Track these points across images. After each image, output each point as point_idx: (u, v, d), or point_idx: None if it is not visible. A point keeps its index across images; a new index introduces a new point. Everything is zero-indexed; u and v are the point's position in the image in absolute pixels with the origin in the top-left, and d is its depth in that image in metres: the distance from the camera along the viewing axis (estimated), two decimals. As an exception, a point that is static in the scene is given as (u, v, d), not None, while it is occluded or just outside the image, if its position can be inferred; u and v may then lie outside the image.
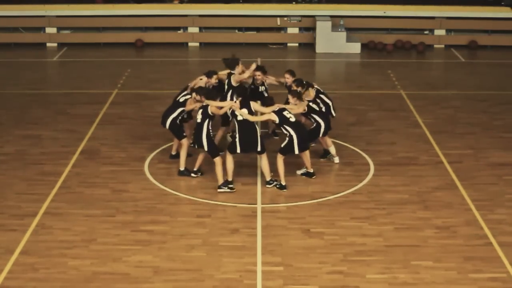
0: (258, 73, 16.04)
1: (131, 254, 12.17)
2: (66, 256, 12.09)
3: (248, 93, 15.62)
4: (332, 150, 15.69)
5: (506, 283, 11.47)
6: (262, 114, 14.70)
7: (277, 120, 14.39)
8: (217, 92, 15.54)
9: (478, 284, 11.42)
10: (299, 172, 15.15)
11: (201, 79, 15.54)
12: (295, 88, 15.27)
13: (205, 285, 11.37)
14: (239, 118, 14.30)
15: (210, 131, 14.39)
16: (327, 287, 11.35)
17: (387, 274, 11.66)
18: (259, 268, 11.81)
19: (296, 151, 14.43)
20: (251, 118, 14.34)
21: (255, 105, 14.60)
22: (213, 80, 15.58)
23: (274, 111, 14.38)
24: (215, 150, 14.45)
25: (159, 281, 11.43)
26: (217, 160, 14.37)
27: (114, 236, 12.76)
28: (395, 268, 11.83)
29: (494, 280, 11.53)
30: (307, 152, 14.74)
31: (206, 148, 14.36)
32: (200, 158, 14.85)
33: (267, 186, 14.55)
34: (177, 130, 15.17)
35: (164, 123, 15.17)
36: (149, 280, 11.46)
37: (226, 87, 15.75)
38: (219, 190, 14.38)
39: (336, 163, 15.70)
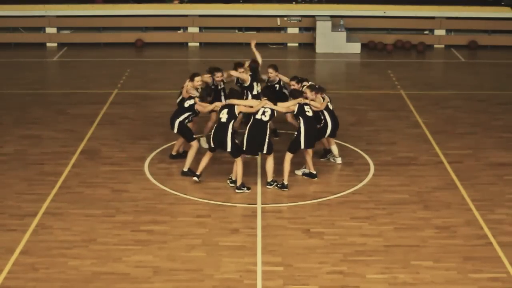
0: (270, 70, 16.27)
1: (131, 254, 12.17)
2: (66, 256, 12.09)
3: (274, 93, 15.72)
4: (335, 150, 15.67)
5: (506, 283, 11.48)
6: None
7: (296, 110, 14.45)
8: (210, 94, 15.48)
9: (478, 284, 11.43)
10: (298, 172, 15.15)
11: (187, 85, 15.35)
12: (294, 84, 15.42)
13: (205, 285, 11.37)
14: (257, 116, 14.28)
15: (234, 131, 14.36)
16: (327, 287, 11.35)
17: (387, 274, 11.66)
18: (259, 268, 11.81)
19: (302, 146, 14.43)
20: (282, 110, 14.62)
21: (281, 104, 14.77)
22: (196, 83, 15.36)
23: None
24: (237, 150, 14.35)
25: (159, 281, 11.44)
26: (239, 160, 14.31)
27: (114, 236, 12.76)
28: (395, 268, 11.83)
29: (494, 280, 11.53)
30: (310, 152, 14.75)
31: (229, 148, 14.24)
32: (204, 161, 14.72)
33: (268, 187, 14.55)
34: (186, 132, 15.07)
35: (172, 127, 15.08)
36: (149, 280, 11.46)
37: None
38: (237, 191, 14.36)
39: (339, 163, 15.69)
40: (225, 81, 16.20)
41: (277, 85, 16.36)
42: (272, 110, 14.38)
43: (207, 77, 15.97)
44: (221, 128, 14.27)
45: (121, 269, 11.76)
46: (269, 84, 16.39)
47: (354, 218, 13.47)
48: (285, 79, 16.27)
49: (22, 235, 12.73)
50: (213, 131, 14.47)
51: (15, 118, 18.52)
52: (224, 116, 14.31)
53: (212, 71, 16.08)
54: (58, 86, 21.82)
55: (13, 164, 15.72)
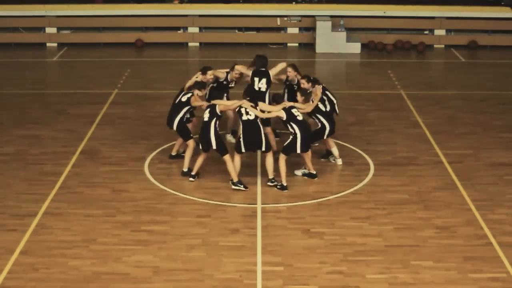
0: (289, 69, 16.04)
1: (131, 254, 12.17)
2: (66, 256, 12.09)
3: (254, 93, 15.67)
4: (335, 151, 15.65)
5: (506, 283, 11.48)
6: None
7: (284, 117, 14.41)
8: (218, 91, 15.69)
9: (478, 284, 11.43)
10: (297, 172, 15.14)
11: (196, 77, 15.52)
12: (304, 83, 15.32)
13: (205, 285, 11.37)
14: (244, 117, 14.33)
15: (217, 129, 14.40)
16: (327, 287, 11.35)
17: (387, 274, 11.66)
18: (259, 268, 11.81)
19: (298, 150, 14.44)
20: (261, 115, 14.46)
21: (263, 105, 14.69)
22: (208, 76, 15.53)
23: (283, 108, 14.45)
24: (223, 148, 14.42)
25: (159, 281, 11.44)
26: (227, 157, 14.36)
27: (114, 236, 12.76)
28: (395, 268, 11.83)
29: (494, 280, 11.54)
30: (309, 153, 14.74)
31: (214, 146, 14.31)
32: (199, 162, 14.79)
33: (269, 184, 14.55)
34: (184, 131, 15.12)
35: (171, 125, 15.11)
36: (149, 280, 11.46)
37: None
38: (233, 187, 14.39)
39: (339, 164, 15.66)
40: (235, 80, 16.14)
41: (295, 86, 16.21)
42: (255, 106, 14.41)
43: (220, 72, 15.98)
44: (204, 127, 14.40)
45: (121, 269, 11.76)
46: (287, 83, 16.30)
47: (354, 218, 13.47)
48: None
49: (22, 235, 12.73)
50: (199, 132, 14.56)
51: (15, 118, 18.52)
52: (206, 115, 14.43)
53: (233, 67, 16.03)
54: (58, 86, 21.82)
55: (13, 164, 15.72)
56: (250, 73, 15.87)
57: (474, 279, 11.54)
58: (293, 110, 14.48)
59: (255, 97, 15.02)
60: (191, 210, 13.75)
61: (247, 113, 14.35)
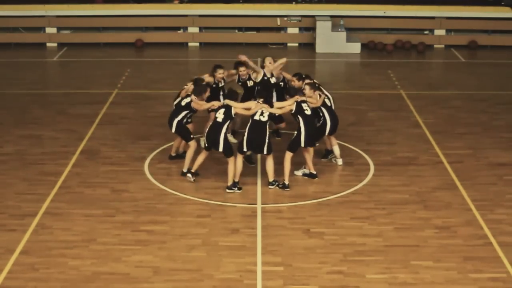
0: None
1: (131, 254, 12.17)
2: (66, 256, 12.09)
3: (269, 94, 15.77)
4: (336, 150, 15.62)
5: (506, 283, 11.48)
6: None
7: (294, 109, 14.44)
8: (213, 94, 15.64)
9: (478, 284, 11.43)
10: (297, 172, 15.14)
11: (186, 86, 15.37)
12: (294, 81, 15.45)
13: (205, 285, 11.37)
14: (256, 117, 14.30)
15: (227, 131, 14.41)
16: (327, 287, 11.35)
17: (387, 274, 11.67)
18: (259, 268, 11.81)
19: (302, 144, 14.43)
20: (278, 112, 14.53)
21: (277, 103, 14.77)
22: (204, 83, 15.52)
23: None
24: (230, 149, 14.39)
25: (159, 281, 11.44)
26: (231, 159, 14.34)
27: (114, 236, 12.76)
28: (395, 268, 11.83)
29: (494, 280, 11.54)
30: (311, 151, 14.75)
31: (221, 147, 14.25)
32: (199, 160, 14.77)
33: (270, 187, 14.54)
34: (184, 132, 15.09)
35: (170, 127, 15.10)
36: (149, 280, 11.46)
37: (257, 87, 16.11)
38: (228, 190, 14.36)
39: (339, 165, 15.65)
40: (225, 79, 16.20)
41: (281, 83, 16.30)
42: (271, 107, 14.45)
43: (207, 77, 15.97)
44: (216, 127, 14.30)
45: (121, 269, 11.76)
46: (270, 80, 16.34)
47: (354, 218, 13.47)
48: (288, 76, 16.24)
49: (22, 235, 12.73)
50: (207, 129, 14.51)
51: (15, 118, 18.53)
52: (220, 116, 14.35)
53: (214, 68, 16.07)
54: (58, 86, 21.83)
55: (13, 164, 15.72)
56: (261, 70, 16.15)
57: (474, 279, 11.55)
58: (303, 104, 14.51)
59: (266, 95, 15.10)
60: (191, 210, 13.75)
61: (261, 113, 14.33)
